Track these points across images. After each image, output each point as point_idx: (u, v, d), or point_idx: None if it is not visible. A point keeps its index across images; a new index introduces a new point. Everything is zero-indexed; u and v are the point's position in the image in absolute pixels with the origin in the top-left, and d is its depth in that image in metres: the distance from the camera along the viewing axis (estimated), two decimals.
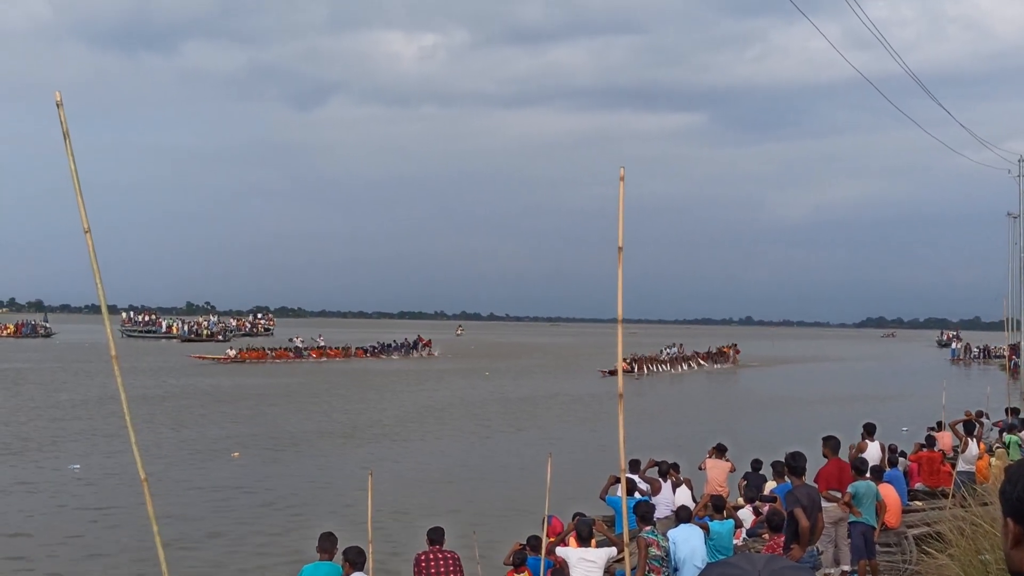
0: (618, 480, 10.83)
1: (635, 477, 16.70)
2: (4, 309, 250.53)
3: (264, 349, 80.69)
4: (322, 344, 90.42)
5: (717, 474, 18.58)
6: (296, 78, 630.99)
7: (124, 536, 18.24)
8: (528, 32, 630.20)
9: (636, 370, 69.14)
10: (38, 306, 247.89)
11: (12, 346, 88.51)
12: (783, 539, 12.27)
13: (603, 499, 16.90)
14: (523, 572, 13.09)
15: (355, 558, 11.22)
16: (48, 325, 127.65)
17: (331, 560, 11.59)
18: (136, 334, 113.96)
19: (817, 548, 12.68)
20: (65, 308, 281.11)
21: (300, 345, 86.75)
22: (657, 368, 74.89)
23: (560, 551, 12.78)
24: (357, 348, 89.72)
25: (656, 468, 17.97)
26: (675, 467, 17.92)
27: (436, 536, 12.70)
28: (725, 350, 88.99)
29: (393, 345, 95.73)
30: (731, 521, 14.57)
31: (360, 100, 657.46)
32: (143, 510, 6.22)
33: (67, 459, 27.55)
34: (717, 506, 14.73)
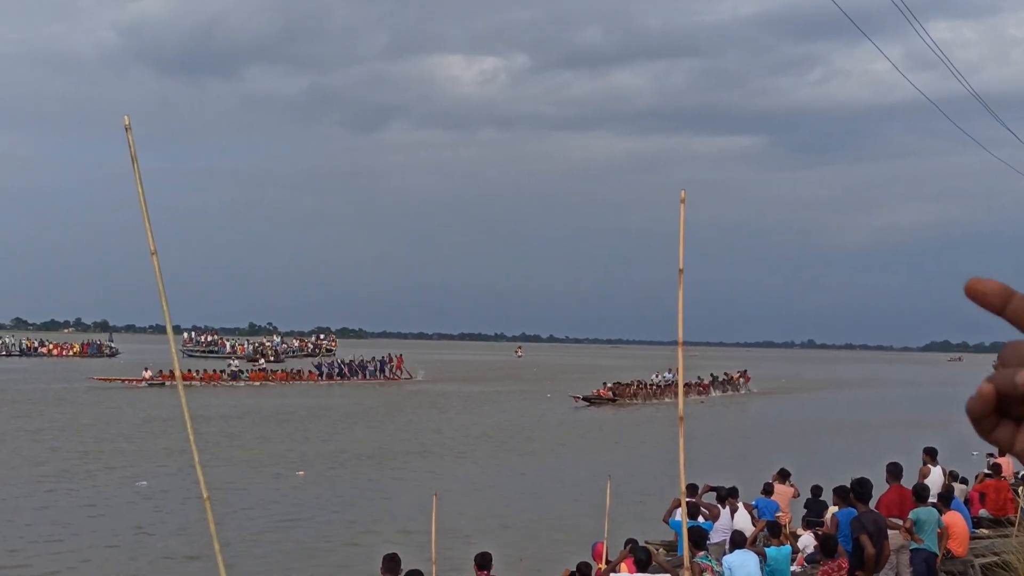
0: (680, 504, 10.87)
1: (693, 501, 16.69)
2: (70, 329, 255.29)
3: (193, 371, 70.64)
4: (263, 367, 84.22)
5: (779, 500, 18.50)
6: (356, 102, 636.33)
7: (187, 549, 18.54)
8: (588, 56, 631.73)
9: (617, 399, 62.40)
10: (103, 326, 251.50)
11: (77, 365, 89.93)
12: (838, 563, 12.24)
13: (666, 522, 16.87)
14: None
15: None
16: (113, 345, 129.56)
17: None
18: (198, 354, 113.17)
19: None
20: (130, 328, 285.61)
21: (237, 369, 77.89)
22: (642, 399, 64.62)
23: None
24: (309, 371, 79.83)
25: (714, 493, 17.90)
26: (733, 492, 17.83)
27: (483, 562, 12.78)
28: (734, 377, 78.01)
29: (357, 366, 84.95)
30: (788, 547, 14.50)
31: (420, 124, 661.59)
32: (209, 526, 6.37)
33: (134, 476, 28.07)
34: (773, 532, 14.68)
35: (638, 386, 66.31)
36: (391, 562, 11.96)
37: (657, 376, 72.60)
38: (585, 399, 59.87)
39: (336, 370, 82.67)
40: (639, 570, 12.49)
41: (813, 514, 17.21)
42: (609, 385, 64.60)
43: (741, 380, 77.78)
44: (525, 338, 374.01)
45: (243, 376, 74.37)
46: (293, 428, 42.72)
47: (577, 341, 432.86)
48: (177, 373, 6.73)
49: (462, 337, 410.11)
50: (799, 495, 19.24)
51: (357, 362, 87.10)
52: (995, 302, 0.87)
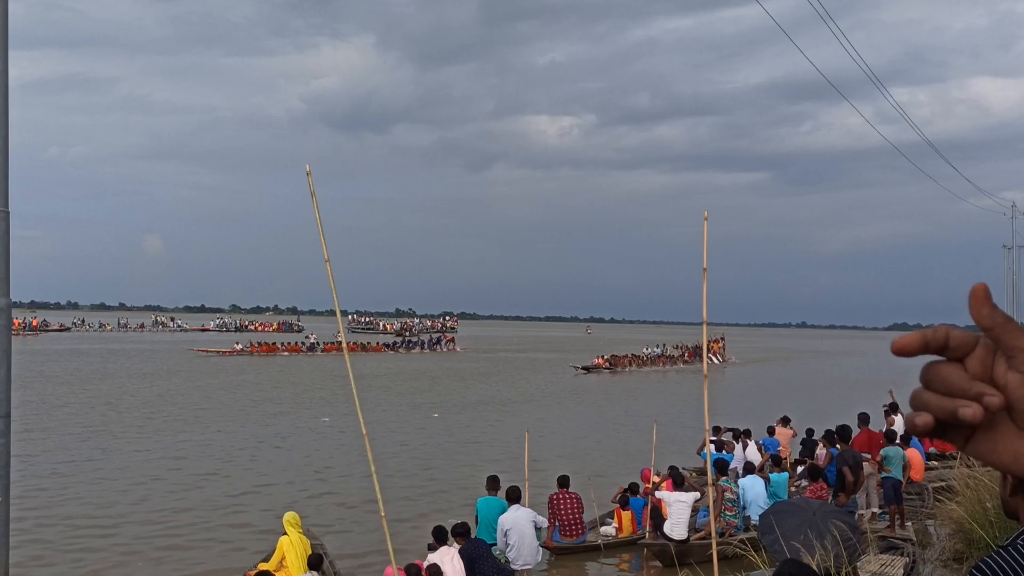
0: (710, 441, 10.81)
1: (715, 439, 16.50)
2: (270, 312, 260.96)
3: (276, 344, 68.35)
4: (338, 340, 75.62)
5: (780, 439, 18.24)
6: (471, 150, 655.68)
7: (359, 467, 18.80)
8: (637, 115, 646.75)
9: (614, 367, 56.49)
10: (293, 310, 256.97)
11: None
12: (820, 485, 12.09)
13: (698, 454, 16.71)
14: (627, 510, 13.07)
15: (513, 494, 11.42)
16: (300, 323, 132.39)
17: (496, 496, 11.69)
18: (359, 330, 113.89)
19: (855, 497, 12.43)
20: (312, 311, 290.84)
21: (315, 341, 71.21)
22: (637, 366, 59.26)
23: (659, 494, 12.71)
24: (377, 343, 75.36)
25: (730, 433, 17.68)
26: (747, 432, 17.56)
27: (564, 481, 12.77)
28: (714, 346, 66.01)
29: (414, 341, 79.78)
30: (786, 474, 14.26)
31: (516, 165, 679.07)
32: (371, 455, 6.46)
33: (320, 414, 28.64)
34: (776, 462, 14.48)
35: (631, 357, 60.72)
36: (493, 481, 11.97)
37: (647, 349, 67.29)
38: (584, 368, 53.83)
39: (402, 344, 77.88)
40: (676, 488, 12.38)
41: (807, 451, 16.88)
42: (606, 356, 58.28)
43: (720, 349, 67.85)
44: (592, 319, 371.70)
45: (319, 348, 68.70)
46: (411, 384, 42.48)
47: (631, 322, 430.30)
48: (344, 345, 6.86)
49: (547, 319, 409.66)
50: (796, 435, 18.92)
51: (415, 338, 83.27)
52: (917, 350, 0.78)
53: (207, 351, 64.18)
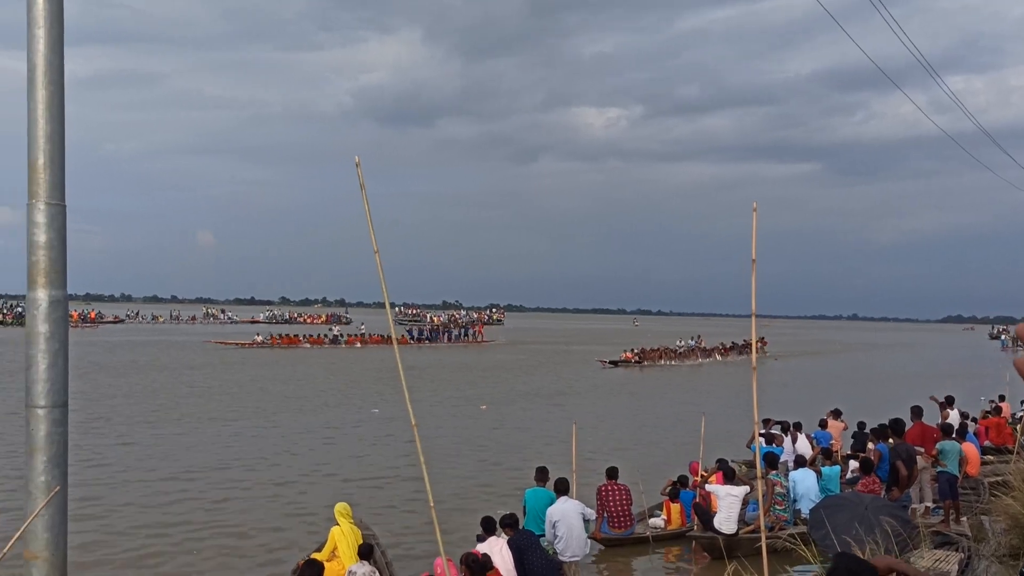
0: (760, 434, 10.76)
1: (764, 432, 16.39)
2: (319, 304, 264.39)
3: (299, 336, 67.01)
4: (363, 332, 73.80)
5: (832, 431, 18.07)
6: (517, 142, 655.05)
7: (408, 458, 19.04)
8: (686, 106, 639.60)
9: (643, 361, 54.57)
10: (341, 302, 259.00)
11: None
12: (872, 479, 11.96)
13: (748, 447, 16.61)
14: (676, 502, 13.04)
15: (561, 486, 11.45)
16: (348, 315, 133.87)
17: (544, 487, 11.72)
18: (406, 322, 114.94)
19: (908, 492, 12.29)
20: (360, 304, 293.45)
21: (337, 334, 70.51)
22: (667, 360, 57.37)
23: (709, 487, 12.67)
24: (402, 335, 69.53)
25: (779, 426, 17.52)
26: (797, 425, 17.40)
27: (612, 473, 12.79)
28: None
29: (440, 331, 77.47)
30: (838, 467, 14.12)
31: (562, 157, 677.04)
32: (419, 445, 6.54)
33: (370, 406, 29.01)
34: (827, 455, 14.34)
35: (663, 351, 59.03)
36: (541, 472, 12.01)
37: (681, 342, 65.44)
38: (611, 363, 52.49)
39: (424, 335, 75.34)
40: (726, 481, 12.32)
41: (858, 445, 16.70)
42: (636, 350, 56.58)
43: (760, 345, 65.78)
44: (640, 312, 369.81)
45: (341, 340, 67.59)
46: (453, 377, 42.69)
47: (680, 314, 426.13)
48: (394, 337, 6.94)
49: (594, 311, 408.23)
50: (848, 428, 18.74)
51: (443, 328, 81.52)
52: None
53: (225, 343, 63.28)
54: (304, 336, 67.07)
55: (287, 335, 67.92)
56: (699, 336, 69.83)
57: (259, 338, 64.48)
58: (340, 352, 60.08)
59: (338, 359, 52.74)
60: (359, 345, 66.52)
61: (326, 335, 68.92)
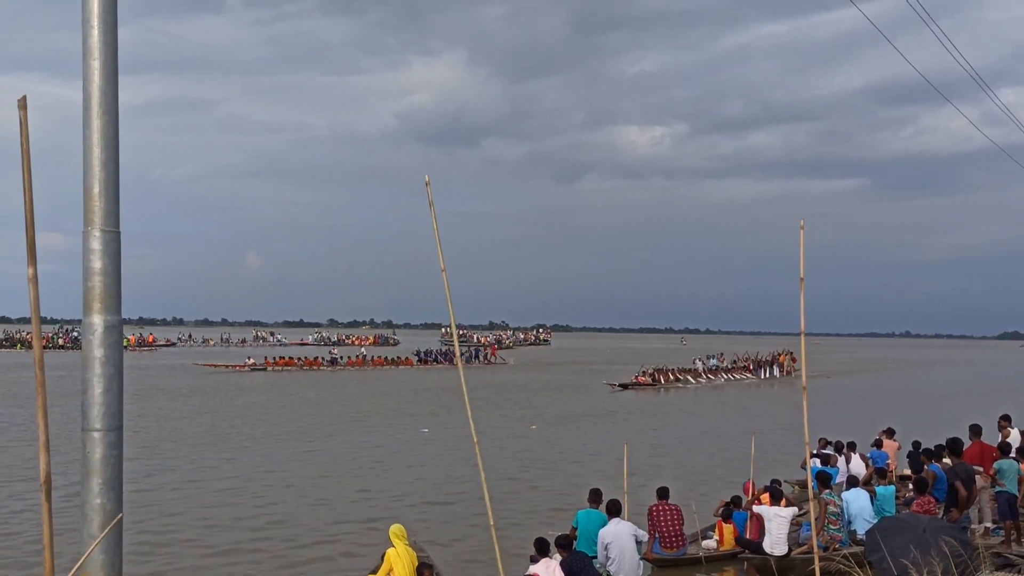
0: (813, 454, 10.72)
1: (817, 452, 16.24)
2: (366, 325, 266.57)
3: (294, 359, 65.08)
4: (363, 353, 73.06)
5: (887, 451, 17.83)
6: (561, 162, 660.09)
7: (465, 476, 19.12)
8: (731, 123, 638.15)
9: (657, 383, 51.40)
10: (389, 324, 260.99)
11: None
12: (928, 499, 11.81)
13: (802, 467, 16.47)
14: (729, 523, 12.99)
15: (613, 507, 11.48)
16: (396, 336, 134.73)
17: (597, 508, 11.76)
18: (450, 343, 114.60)
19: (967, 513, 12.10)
20: (407, 325, 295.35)
21: (336, 356, 69.12)
22: (684, 380, 53.70)
23: (757, 508, 12.61)
24: (407, 356, 70.26)
25: (831, 446, 17.34)
26: (851, 445, 17.21)
27: (664, 493, 12.79)
28: (780, 358, 62.20)
29: (444, 354, 74.27)
30: (893, 487, 13.94)
31: (607, 176, 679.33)
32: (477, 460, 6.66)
33: (419, 425, 29.30)
34: (881, 475, 14.17)
35: (679, 371, 55.45)
36: (594, 494, 11.97)
37: (699, 362, 61.16)
38: (621, 385, 49.12)
39: (432, 356, 72.48)
40: (773, 502, 12.28)
41: (915, 465, 16.45)
42: (649, 371, 53.39)
43: (787, 362, 61.73)
44: (687, 331, 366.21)
45: (340, 362, 66.19)
46: (495, 398, 42.77)
47: (728, 333, 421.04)
48: (458, 358, 7.11)
49: (640, 330, 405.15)
50: (901, 448, 18.46)
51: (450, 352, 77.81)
52: None
53: (214, 365, 61.81)
54: (299, 359, 65.36)
55: (283, 357, 66.72)
56: (720, 354, 67.39)
57: (251, 361, 62.58)
58: (351, 374, 58.82)
59: (367, 379, 53.15)
60: (357, 369, 64.58)
61: (323, 358, 67.44)
